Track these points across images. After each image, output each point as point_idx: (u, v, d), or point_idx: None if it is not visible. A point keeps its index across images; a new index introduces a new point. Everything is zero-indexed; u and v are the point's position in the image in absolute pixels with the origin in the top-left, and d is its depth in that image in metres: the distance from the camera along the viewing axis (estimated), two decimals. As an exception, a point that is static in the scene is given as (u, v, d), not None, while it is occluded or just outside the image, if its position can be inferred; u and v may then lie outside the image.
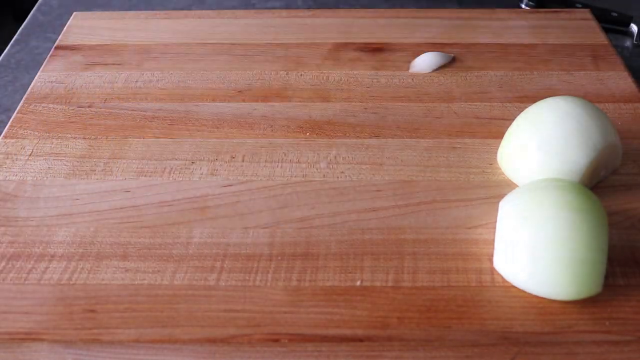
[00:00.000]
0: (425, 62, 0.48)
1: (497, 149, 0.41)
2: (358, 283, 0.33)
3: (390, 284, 0.33)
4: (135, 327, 0.31)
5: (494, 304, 0.32)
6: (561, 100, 0.38)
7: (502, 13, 0.55)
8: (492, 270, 0.33)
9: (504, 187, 0.38)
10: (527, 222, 0.32)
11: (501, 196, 0.36)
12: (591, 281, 0.31)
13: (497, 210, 0.35)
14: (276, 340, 0.30)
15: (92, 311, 0.32)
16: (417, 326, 0.31)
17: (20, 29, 0.64)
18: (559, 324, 0.31)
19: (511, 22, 0.54)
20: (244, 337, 0.30)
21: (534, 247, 0.31)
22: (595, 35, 0.52)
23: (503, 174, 0.39)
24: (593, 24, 0.54)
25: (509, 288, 0.32)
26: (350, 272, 0.33)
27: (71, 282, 0.33)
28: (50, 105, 0.46)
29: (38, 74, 0.49)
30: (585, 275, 0.31)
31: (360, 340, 0.30)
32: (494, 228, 0.35)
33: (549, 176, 0.36)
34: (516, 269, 0.32)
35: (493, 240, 0.35)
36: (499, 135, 0.41)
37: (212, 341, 0.30)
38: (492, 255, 0.34)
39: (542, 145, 0.37)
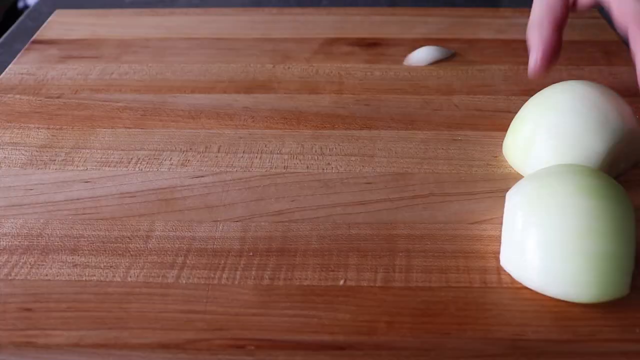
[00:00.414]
0: (421, 55, 0.45)
1: (502, 141, 0.37)
2: (341, 282, 0.28)
3: (378, 283, 0.28)
4: (76, 329, 0.26)
5: (501, 308, 0.27)
6: (575, 83, 0.34)
7: (505, 11, 0.52)
8: (499, 269, 0.29)
9: (511, 180, 0.34)
10: (538, 213, 0.27)
11: (507, 190, 0.31)
12: (617, 281, 0.26)
13: (503, 204, 0.30)
14: (241, 347, 0.26)
15: (28, 310, 0.27)
16: (410, 332, 0.26)
17: (7, 33, 0.62)
18: (579, 331, 0.26)
19: (515, 20, 0.51)
20: (203, 343, 0.26)
21: (548, 241, 0.27)
22: (605, 32, 0.49)
23: (509, 167, 0.35)
24: (602, 22, 0.51)
25: (519, 289, 0.28)
26: (332, 270, 0.29)
27: (9, 278, 0.29)
28: (17, 96, 0.42)
29: (9, 66, 0.46)
30: (609, 274, 0.26)
31: (342, 347, 0.26)
32: (500, 224, 0.30)
33: None
34: (527, 267, 0.27)
35: (499, 237, 0.30)
36: (504, 128, 0.37)
37: (165, 346, 0.26)
38: (498, 253, 0.29)
39: (553, 131, 0.32)
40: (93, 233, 0.31)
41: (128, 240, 0.30)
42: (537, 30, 0.35)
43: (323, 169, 0.35)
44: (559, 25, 0.35)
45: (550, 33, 0.34)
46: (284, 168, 0.35)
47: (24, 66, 0.46)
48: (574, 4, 0.36)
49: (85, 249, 0.30)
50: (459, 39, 0.48)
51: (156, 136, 0.38)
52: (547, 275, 0.27)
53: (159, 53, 0.47)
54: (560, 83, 0.35)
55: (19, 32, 0.60)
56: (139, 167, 0.35)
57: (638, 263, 0.28)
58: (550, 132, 0.33)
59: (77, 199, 0.33)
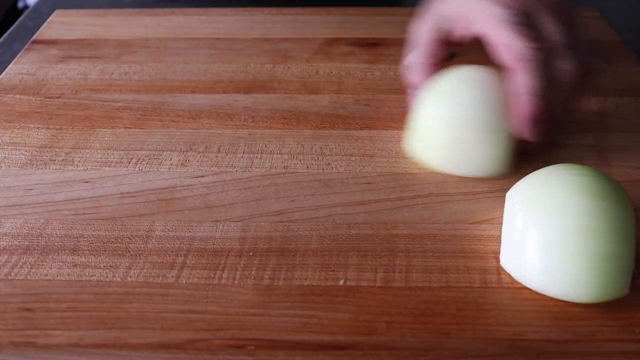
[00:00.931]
0: (423, 55, 0.45)
1: (503, 141, 0.37)
2: (341, 282, 0.28)
3: (378, 283, 0.28)
4: (76, 329, 0.26)
5: (501, 308, 0.27)
6: (467, 70, 0.34)
7: (505, 11, 0.52)
8: (499, 269, 0.29)
9: (511, 180, 0.33)
10: (538, 213, 0.27)
11: (507, 190, 0.31)
12: (616, 281, 0.26)
13: (503, 204, 0.30)
14: (241, 347, 0.26)
15: (28, 310, 0.27)
16: (410, 332, 0.26)
17: (7, 33, 0.62)
18: (579, 331, 0.26)
19: (515, 20, 0.51)
20: (203, 343, 0.26)
21: (548, 241, 0.27)
22: (606, 32, 0.49)
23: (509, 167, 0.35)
24: (603, 22, 0.51)
25: (519, 289, 0.28)
26: (332, 270, 0.29)
27: (9, 278, 0.29)
28: (17, 96, 0.42)
29: (9, 66, 0.46)
30: (609, 274, 0.26)
31: (342, 347, 0.26)
32: (500, 224, 0.30)
33: (469, 159, 0.33)
34: (527, 267, 0.27)
35: (499, 237, 0.30)
36: (504, 128, 0.37)
37: (166, 346, 0.26)
38: (498, 253, 0.29)
39: (453, 123, 0.33)
40: (93, 233, 0.31)
41: (128, 240, 0.30)
42: (414, 72, 0.37)
43: (323, 169, 0.35)
44: (436, 65, 0.37)
45: (425, 76, 0.36)
46: (284, 168, 0.35)
47: (24, 66, 0.46)
48: (452, 41, 0.37)
49: (85, 249, 0.30)
50: (459, 39, 0.48)
51: (156, 136, 0.38)
52: (547, 275, 0.27)
53: (159, 53, 0.47)
54: (453, 71, 0.35)
55: (19, 32, 0.60)
56: (139, 167, 0.35)
57: (638, 263, 0.28)
58: (448, 125, 0.33)
59: (77, 199, 0.33)
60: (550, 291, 0.27)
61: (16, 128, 0.39)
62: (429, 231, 0.31)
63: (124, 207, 0.32)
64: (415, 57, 0.37)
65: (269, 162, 0.35)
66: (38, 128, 0.39)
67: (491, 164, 0.33)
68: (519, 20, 0.32)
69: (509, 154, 0.34)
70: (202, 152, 0.36)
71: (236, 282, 0.28)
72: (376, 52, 0.46)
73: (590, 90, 0.35)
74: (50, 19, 0.53)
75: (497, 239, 0.30)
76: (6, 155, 0.37)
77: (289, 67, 0.45)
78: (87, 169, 0.35)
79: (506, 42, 0.32)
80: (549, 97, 0.32)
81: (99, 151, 0.37)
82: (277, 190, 0.33)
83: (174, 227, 0.31)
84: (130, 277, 0.28)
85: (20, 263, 0.29)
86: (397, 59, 0.46)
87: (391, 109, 0.40)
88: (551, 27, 0.33)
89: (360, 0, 0.54)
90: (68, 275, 0.29)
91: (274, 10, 0.53)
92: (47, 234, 0.31)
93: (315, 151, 0.36)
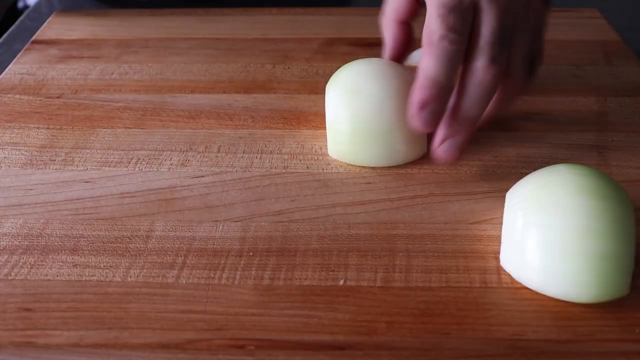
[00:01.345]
0: (422, 55, 0.45)
1: (502, 141, 0.37)
2: (341, 282, 0.28)
3: (378, 283, 0.28)
4: (76, 329, 0.26)
5: (501, 308, 0.27)
6: (372, 62, 0.35)
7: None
8: (499, 269, 0.29)
9: (510, 180, 0.33)
10: (538, 213, 0.27)
11: (507, 190, 0.31)
12: (616, 281, 0.26)
13: (503, 204, 0.30)
14: (241, 347, 0.26)
15: (28, 310, 0.27)
16: (410, 332, 0.26)
17: (7, 33, 0.62)
18: (579, 331, 0.26)
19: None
20: (203, 343, 0.26)
21: (548, 241, 0.27)
22: (606, 32, 0.49)
23: (509, 166, 0.35)
24: (603, 22, 0.51)
25: (519, 289, 0.28)
26: (332, 270, 0.29)
27: (9, 278, 0.29)
28: (17, 96, 0.42)
29: (9, 66, 0.46)
30: (609, 274, 0.26)
31: (342, 347, 0.26)
32: (500, 224, 0.30)
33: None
34: (527, 267, 0.27)
35: (499, 237, 0.30)
36: (505, 128, 0.37)
37: (165, 346, 0.26)
38: (498, 253, 0.29)
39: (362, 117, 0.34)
40: (93, 233, 0.31)
41: (128, 240, 0.30)
42: (385, 27, 0.37)
43: (323, 169, 0.35)
44: (406, 20, 0.36)
45: (396, 30, 0.36)
46: (284, 168, 0.35)
47: (24, 66, 0.46)
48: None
49: (85, 249, 0.30)
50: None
51: (156, 136, 0.38)
52: (547, 275, 0.27)
53: (159, 53, 0.47)
54: (355, 64, 0.35)
55: (19, 32, 0.60)
56: (139, 167, 0.35)
57: (638, 263, 0.28)
58: (357, 120, 0.34)
59: (77, 199, 0.33)
60: (550, 291, 0.27)
61: (16, 128, 0.39)
62: (429, 231, 0.31)
63: (124, 207, 0.32)
64: (385, 11, 0.36)
65: (269, 162, 0.35)
66: (38, 128, 0.39)
67: (406, 151, 0.34)
68: (452, 5, 0.31)
69: (421, 139, 0.35)
70: (202, 152, 0.36)
71: (236, 282, 0.28)
72: (376, 52, 0.46)
73: (509, 105, 0.34)
74: (50, 19, 0.53)
75: (497, 239, 0.30)
76: (6, 155, 0.37)
77: (289, 67, 0.45)
78: (87, 169, 0.35)
79: (427, 22, 0.32)
80: (445, 87, 0.30)
81: (99, 151, 0.37)
82: (277, 190, 0.33)
83: (174, 227, 0.31)
84: (130, 277, 0.28)
85: (20, 263, 0.29)
86: (397, 59, 0.46)
87: (391, 109, 0.40)
88: (487, 21, 0.31)
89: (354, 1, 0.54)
90: (68, 275, 0.29)
91: (274, 10, 0.53)
92: (47, 234, 0.31)
93: (315, 151, 0.36)
